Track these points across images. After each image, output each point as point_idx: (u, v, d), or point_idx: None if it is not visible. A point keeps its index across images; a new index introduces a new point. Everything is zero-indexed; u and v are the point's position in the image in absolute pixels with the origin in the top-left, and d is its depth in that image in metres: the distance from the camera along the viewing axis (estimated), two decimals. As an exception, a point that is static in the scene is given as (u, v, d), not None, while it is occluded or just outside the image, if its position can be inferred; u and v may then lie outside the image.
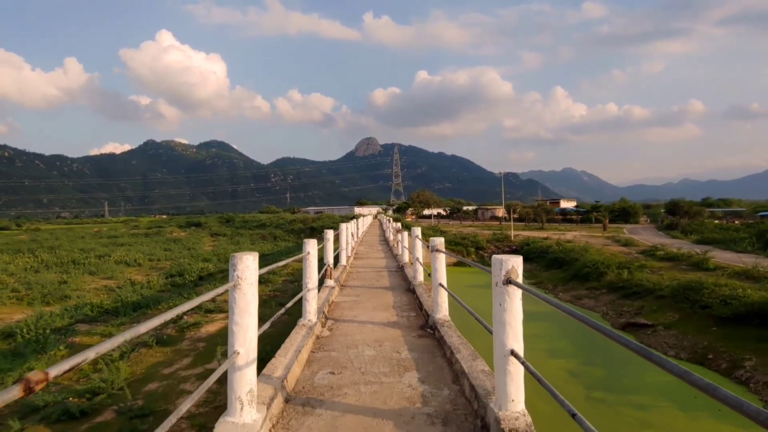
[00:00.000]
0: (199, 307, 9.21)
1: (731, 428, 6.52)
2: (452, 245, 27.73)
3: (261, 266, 2.83)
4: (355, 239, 17.57)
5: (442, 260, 5.39)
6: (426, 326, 5.45)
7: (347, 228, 12.74)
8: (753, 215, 51.44)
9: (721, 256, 19.52)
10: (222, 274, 16.19)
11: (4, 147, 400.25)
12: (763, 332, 9.42)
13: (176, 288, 13.75)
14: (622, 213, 59.33)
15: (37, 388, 1.03)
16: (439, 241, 5.44)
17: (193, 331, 8.08)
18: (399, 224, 24.27)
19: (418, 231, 8.51)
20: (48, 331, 8.26)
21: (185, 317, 8.79)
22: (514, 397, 2.59)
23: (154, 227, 44.73)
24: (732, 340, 9.60)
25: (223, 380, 5.44)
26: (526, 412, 2.61)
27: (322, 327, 5.37)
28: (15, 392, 1.00)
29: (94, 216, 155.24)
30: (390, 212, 79.62)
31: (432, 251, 5.41)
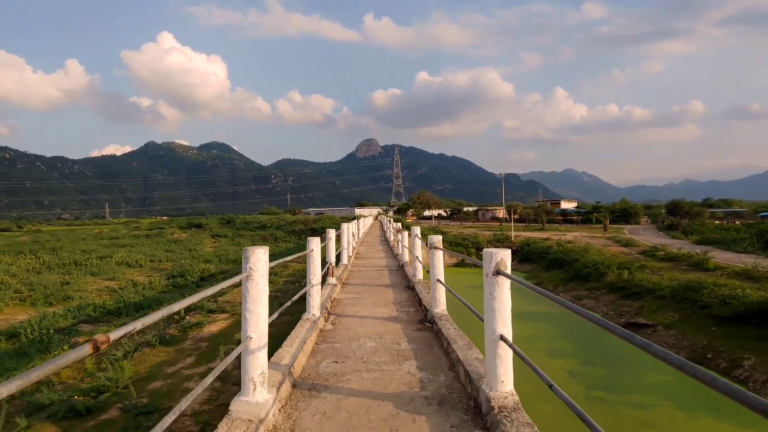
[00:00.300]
0: (201, 307, 9.28)
1: (730, 427, 6.57)
2: (453, 246, 27.78)
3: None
4: (356, 239, 17.64)
5: (439, 257, 5.57)
6: (425, 320, 5.61)
7: (348, 228, 12.83)
8: (754, 216, 51.43)
9: (721, 257, 19.56)
10: (223, 275, 16.26)
11: (5, 149, 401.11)
12: (762, 332, 9.47)
13: (178, 289, 13.82)
14: (623, 214, 59.34)
15: (103, 347, 1.29)
16: (437, 239, 5.63)
17: (195, 331, 8.14)
18: (399, 224, 24.33)
19: (417, 230, 8.62)
20: (52, 331, 8.34)
21: (187, 317, 8.86)
22: (503, 378, 2.81)
23: (155, 228, 44.79)
24: (731, 340, 9.64)
25: (224, 380, 5.50)
26: (514, 392, 2.81)
27: (325, 321, 5.53)
28: (86, 349, 1.24)
29: (95, 217, 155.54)
30: (391, 213, 79.69)
31: (430, 249, 5.60)
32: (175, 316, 8.52)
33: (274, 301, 10.60)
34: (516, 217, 51.11)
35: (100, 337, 1.27)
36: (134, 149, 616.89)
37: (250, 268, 2.75)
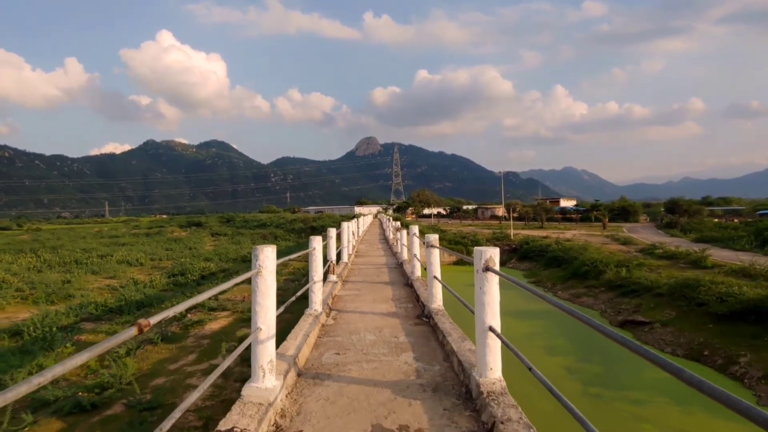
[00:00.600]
0: (202, 305, 9.37)
1: (724, 422, 6.66)
2: (452, 244, 27.87)
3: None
4: (356, 238, 17.73)
5: (436, 255, 5.79)
6: (422, 315, 5.80)
7: (348, 227, 12.92)
8: (752, 214, 51.50)
9: (719, 255, 19.65)
10: (224, 274, 16.33)
11: (4, 147, 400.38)
12: (757, 329, 9.56)
13: (179, 287, 13.88)
14: (622, 212, 59.39)
15: (146, 330, 1.50)
16: (434, 238, 5.85)
17: (197, 329, 8.22)
18: (398, 223, 24.43)
19: (415, 229, 8.77)
20: (54, 329, 8.41)
21: (189, 315, 8.95)
22: (492, 366, 3.03)
23: (154, 227, 44.85)
24: (727, 337, 9.74)
25: (226, 377, 5.58)
26: (502, 378, 3.03)
27: (327, 317, 5.74)
28: (132, 332, 1.43)
29: (95, 216, 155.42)
30: (390, 212, 79.75)
31: (426, 247, 5.80)
32: (177, 315, 8.60)
33: (277, 298, 10.69)
34: (515, 215, 51.18)
35: (142, 321, 1.49)
36: (133, 148, 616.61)
37: (260, 265, 2.93)
